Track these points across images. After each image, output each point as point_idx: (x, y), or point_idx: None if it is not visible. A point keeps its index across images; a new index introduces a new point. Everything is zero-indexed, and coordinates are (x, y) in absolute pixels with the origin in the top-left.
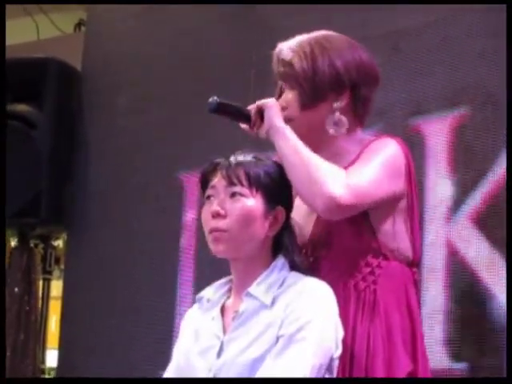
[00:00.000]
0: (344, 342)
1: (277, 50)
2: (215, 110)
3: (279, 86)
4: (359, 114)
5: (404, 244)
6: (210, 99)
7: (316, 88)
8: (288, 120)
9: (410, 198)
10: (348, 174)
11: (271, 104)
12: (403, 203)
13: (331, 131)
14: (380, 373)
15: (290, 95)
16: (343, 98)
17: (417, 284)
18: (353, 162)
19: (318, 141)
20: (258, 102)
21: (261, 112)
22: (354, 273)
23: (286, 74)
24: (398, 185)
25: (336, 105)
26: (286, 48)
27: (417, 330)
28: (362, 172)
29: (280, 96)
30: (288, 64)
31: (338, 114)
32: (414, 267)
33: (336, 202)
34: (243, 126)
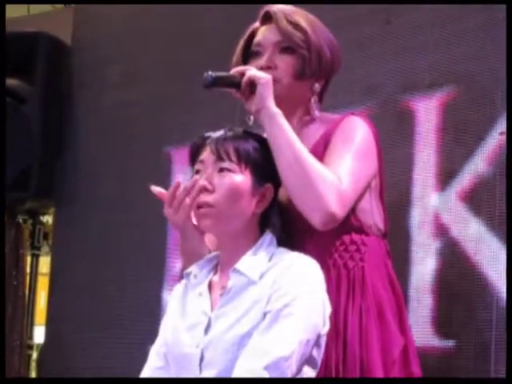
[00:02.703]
0: (337, 322)
1: (278, 8)
2: (212, 84)
3: (260, 41)
4: (322, 95)
5: (378, 219)
6: (205, 74)
7: (320, 63)
8: (274, 81)
9: (380, 174)
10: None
11: (266, 81)
12: (376, 180)
13: (315, 112)
14: (375, 352)
15: (285, 58)
16: (321, 80)
17: (390, 255)
18: (320, 145)
19: (292, 116)
20: (250, 74)
21: (252, 83)
22: (341, 252)
23: (297, 36)
24: (373, 167)
25: (316, 86)
26: (292, 12)
27: (401, 303)
28: (345, 170)
29: (247, 50)
30: (301, 29)
31: (316, 96)
32: (386, 239)
33: (333, 218)
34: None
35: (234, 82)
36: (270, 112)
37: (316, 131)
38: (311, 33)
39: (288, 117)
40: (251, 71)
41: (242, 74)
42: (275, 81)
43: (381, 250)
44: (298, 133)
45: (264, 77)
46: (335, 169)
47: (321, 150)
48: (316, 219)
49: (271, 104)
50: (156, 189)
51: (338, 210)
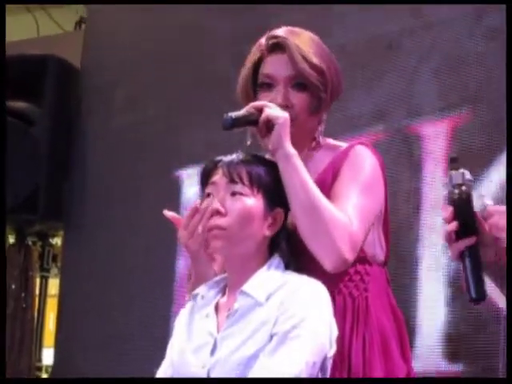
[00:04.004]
0: (341, 349)
1: (287, 37)
2: (232, 126)
3: (267, 73)
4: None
5: (381, 248)
6: (225, 116)
7: (331, 99)
8: (290, 119)
9: (385, 203)
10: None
11: (283, 121)
12: (382, 210)
13: (321, 139)
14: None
15: (300, 95)
16: (328, 109)
17: (389, 283)
18: (328, 173)
19: (302, 147)
20: (268, 113)
21: (269, 122)
22: (346, 282)
23: (314, 77)
24: (380, 200)
25: (324, 116)
26: (302, 42)
27: (402, 330)
28: (354, 207)
29: (255, 80)
30: (317, 68)
31: (323, 125)
32: (386, 266)
33: (345, 263)
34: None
35: (252, 120)
36: (287, 153)
37: (322, 158)
38: (326, 70)
39: (296, 147)
40: (270, 110)
41: (259, 110)
42: (291, 119)
43: (382, 279)
44: (304, 160)
45: (282, 116)
46: (344, 205)
47: (329, 179)
48: (328, 264)
49: (287, 144)
50: (169, 213)
51: (350, 255)
